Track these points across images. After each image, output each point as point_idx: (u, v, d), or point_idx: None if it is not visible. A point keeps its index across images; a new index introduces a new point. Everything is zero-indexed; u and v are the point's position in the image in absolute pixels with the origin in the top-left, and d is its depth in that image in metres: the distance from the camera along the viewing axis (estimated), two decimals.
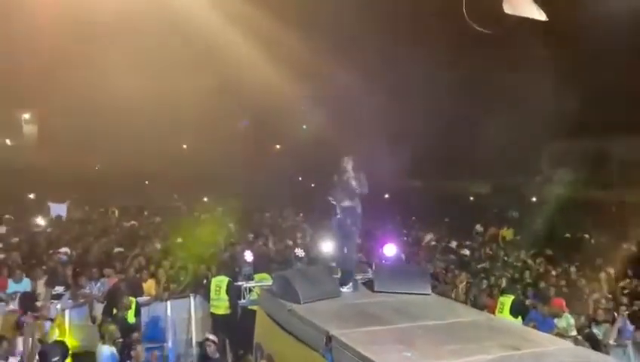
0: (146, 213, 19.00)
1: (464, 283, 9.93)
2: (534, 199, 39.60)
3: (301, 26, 21.01)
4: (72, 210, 16.34)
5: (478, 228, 17.13)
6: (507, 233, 15.81)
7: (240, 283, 7.79)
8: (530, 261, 12.21)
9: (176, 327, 9.57)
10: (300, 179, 54.16)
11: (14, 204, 18.64)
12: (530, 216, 23.99)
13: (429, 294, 6.97)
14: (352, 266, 7.53)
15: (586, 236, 16.71)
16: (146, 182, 36.92)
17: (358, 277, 7.77)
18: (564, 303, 8.14)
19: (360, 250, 8.62)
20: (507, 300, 8.44)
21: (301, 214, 20.55)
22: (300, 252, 8.60)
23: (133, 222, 15.58)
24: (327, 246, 9.94)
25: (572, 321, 7.97)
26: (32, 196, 22.26)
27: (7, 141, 61.26)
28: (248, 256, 8.24)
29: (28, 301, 7.41)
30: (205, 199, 24.91)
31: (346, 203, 7.16)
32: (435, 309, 6.29)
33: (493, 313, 8.36)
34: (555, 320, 7.98)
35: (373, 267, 7.54)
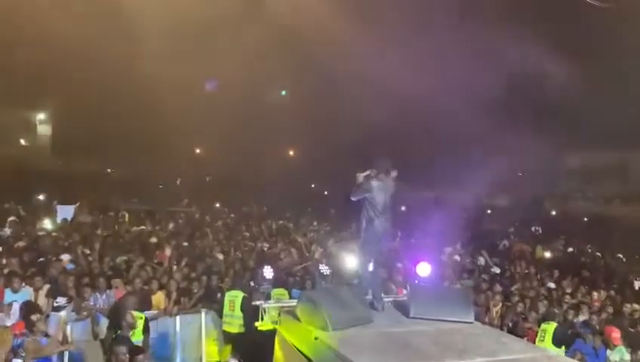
0: (157, 217, 18.37)
1: (499, 306, 9.11)
2: (554, 213, 38.72)
3: None
4: (79, 213, 15.67)
5: (505, 243, 16.20)
6: (539, 250, 14.87)
7: (258, 302, 7.01)
8: (565, 283, 11.33)
9: (185, 345, 8.86)
10: (313, 186, 53.66)
11: (23, 206, 18.12)
12: (554, 232, 23.12)
13: (471, 322, 6.19)
14: (380, 286, 6.77)
15: (619, 256, 15.73)
16: (160, 186, 36.38)
17: (387, 298, 7.03)
18: (619, 334, 7.28)
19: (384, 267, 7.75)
20: (549, 328, 7.63)
21: (315, 223, 19.79)
22: (324, 269, 7.81)
23: (142, 227, 14.91)
24: (350, 261, 9.19)
25: (627, 356, 7.12)
26: (41, 197, 21.67)
27: (22, 141, 61.46)
28: (268, 272, 7.46)
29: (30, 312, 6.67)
30: (217, 205, 24.21)
31: (375, 213, 6.42)
32: (482, 342, 5.50)
33: (534, 341, 7.58)
34: (607, 352, 7.15)
35: (408, 288, 6.70)
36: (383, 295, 6.75)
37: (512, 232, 20.46)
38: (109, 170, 55.38)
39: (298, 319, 5.91)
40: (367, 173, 6.50)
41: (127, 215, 18.35)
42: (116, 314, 7.17)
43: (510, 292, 9.87)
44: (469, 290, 8.50)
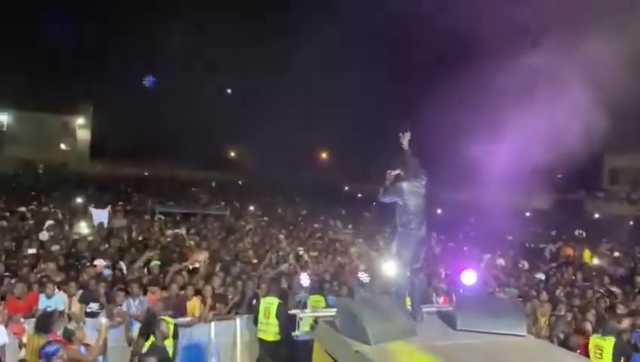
0: (192, 219, 18.34)
1: (547, 315, 8.60)
2: (597, 216, 37.35)
3: None
4: (114, 216, 15.71)
5: (552, 248, 15.48)
6: (587, 255, 14.13)
7: (294, 311, 6.70)
8: (616, 289, 10.67)
9: (220, 352, 8.66)
10: (347, 188, 53.31)
11: (62, 209, 18.33)
12: (599, 236, 22.20)
13: (524, 335, 5.76)
14: (419, 295, 6.39)
15: None
16: (193, 189, 36.63)
17: (430, 308, 6.67)
18: None
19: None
20: (607, 343, 7.08)
21: (349, 226, 19.46)
22: (364, 277, 7.46)
23: (177, 231, 14.81)
24: (387, 268, 8.79)
25: None
26: (79, 201, 21.93)
27: (62, 146, 62.97)
28: (305, 279, 7.13)
29: (44, 323, 6.51)
30: (252, 207, 24.09)
31: (408, 218, 6.03)
32: (537, 358, 5.10)
33: (587, 356, 7.07)
34: None
35: (454, 298, 6.29)
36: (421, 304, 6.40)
37: (555, 236, 19.64)
38: (145, 173, 56.37)
39: (337, 330, 5.59)
40: (398, 171, 6.12)
41: (162, 218, 18.38)
42: (149, 322, 6.98)
43: (558, 301, 9.31)
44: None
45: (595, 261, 14.01)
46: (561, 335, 7.77)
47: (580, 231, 22.51)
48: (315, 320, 6.42)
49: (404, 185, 5.95)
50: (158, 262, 10.09)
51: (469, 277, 7.15)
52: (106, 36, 55.48)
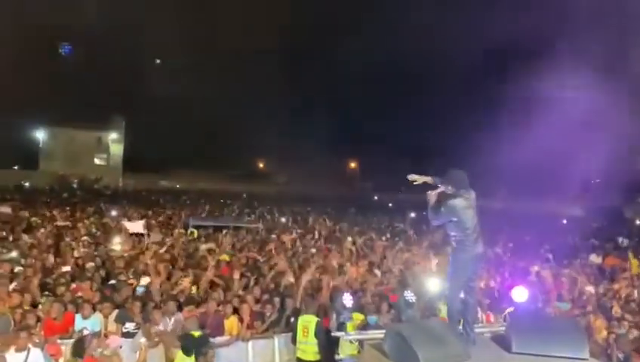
0: (224, 232, 18.17)
1: (604, 332, 8.09)
2: (638, 222, 36.02)
3: None
4: (150, 231, 15.67)
5: (596, 257, 14.82)
6: (635, 264, 13.43)
7: (338, 334, 6.39)
8: None
9: None
10: (376, 198, 52.85)
11: (96, 224, 18.44)
12: None
13: (586, 359, 5.35)
14: (473, 316, 6.03)
15: None
16: (228, 201, 36.73)
17: (478, 329, 6.28)
18: None
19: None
20: None
21: (383, 238, 19.01)
22: (410, 296, 7.12)
23: (210, 245, 14.64)
24: (433, 284, 8.43)
25: None
26: (113, 214, 22.07)
27: (96, 160, 64.23)
28: (347, 300, 6.81)
29: (79, 347, 6.40)
30: (283, 219, 23.90)
31: (465, 235, 5.64)
32: None
33: None
34: None
35: (508, 318, 5.91)
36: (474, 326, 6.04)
37: (598, 245, 18.85)
38: (177, 186, 56.99)
39: (386, 355, 5.28)
40: (441, 190, 5.77)
41: (195, 232, 18.29)
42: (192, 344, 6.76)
43: (613, 316, 8.79)
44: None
45: None
46: (621, 356, 7.27)
47: (623, 239, 21.62)
48: (360, 342, 6.13)
49: (457, 201, 5.59)
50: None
51: (521, 294, 6.76)
52: (138, 52, 56.45)
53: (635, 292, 10.72)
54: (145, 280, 9.95)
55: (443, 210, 5.67)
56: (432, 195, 5.80)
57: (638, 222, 34.81)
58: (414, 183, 5.88)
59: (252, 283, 10.11)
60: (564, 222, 32.85)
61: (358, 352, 6.73)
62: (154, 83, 52.19)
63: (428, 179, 5.80)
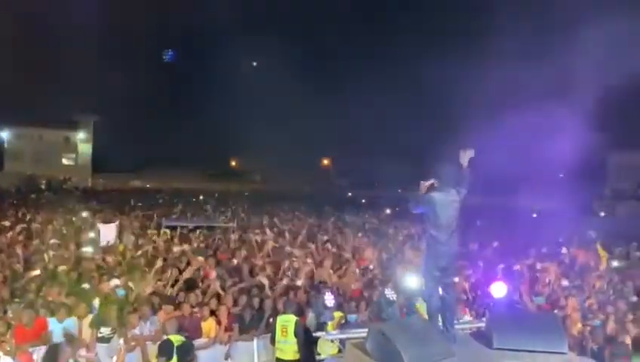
0: (198, 233, 17.93)
1: (578, 325, 8.22)
2: (603, 214, 36.91)
3: None
4: (122, 233, 15.35)
5: (567, 251, 15.05)
6: (605, 258, 13.70)
7: (319, 333, 6.35)
8: None
9: None
10: (350, 194, 52.96)
11: (65, 226, 17.98)
12: (611, 237, 21.73)
13: (565, 353, 5.42)
14: (452, 312, 6.05)
15: None
16: (201, 198, 36.35)
17: (458, 325, 6.33)
18: None
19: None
20: None
21: (359, 234, 19.04)
22: (391, 294, 7.12)
23: (185, 247, 14.39)
24: (411, 281, 8.44)
25: None
26: (84, 216, 21.58)
27: (63, 160, 62.78)
28: (329, 299, 6.77)
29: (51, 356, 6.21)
30: (258, 218, 23.72)
31: (438, 231, 5.71)
32: None
33: None
34: None
35: (488, 314, 5.95)
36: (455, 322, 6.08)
37: (568, 239, 19.16)
38: (148, 185, 56.15)
39: (368, 355, 5.25)
40: (431, 182, 5.82)
41: (168, 232, 17.97)
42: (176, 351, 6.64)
43: (587, 310, 8.93)
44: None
45: (615, 264, 13.62)
46: (596, 348, 7.39)
47: (592, 233, 22.04)
48: (341, 341, 6.11)
49: (436, 195, 5.65)
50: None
51: (499, 290, 6.82)
52: (105, 50, 55.45)
53: (606, 284, 10.95)
54: (115, 282, 9.75)
55: (423, 200, 5.77)
56: (422, 185, 5.84)
57: (602, 214, 35.69)
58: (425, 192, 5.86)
59: (229, 284, 9.97)
60: (535, 216, 33.42)
61: (339, 351, 6.72)
62: (124, 81, 51.27)
63: (432, 181, 5.83)
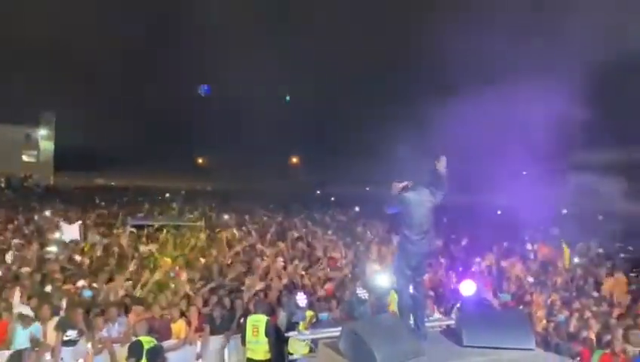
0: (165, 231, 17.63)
1: (543, 321, 8.44)
2: (565, 211, 37.82)
3: None
4: (86, 232, 15.02)
5: (529, 248, 15.41)
6: (567, 254, 14.06)
7: (291, 333, 6.35)
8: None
9: None
10: (319, 192, 53.05)
11: (27, 225, 17.49)
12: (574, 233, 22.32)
13: (533, 349, 5.56)
14: (423, 311, 6.13)
15: None
16: (167, 196, 35.81)
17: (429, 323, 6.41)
18: None
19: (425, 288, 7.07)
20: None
21: (329, 232, 19.08)
22: (363, 293, 7.17)
23: (151, 247, 14.14)
24: (381, 279, 8.52)
25: None
26: (46, 215, 21.02)
27: (24, 157, 60.93)
28: (302, 299, 6.78)
29: None
30: (227, 216, 23.54)
31: (411, 230, 5.79)
32: None
33: None
34: None
35: (457, 312, 6.06)
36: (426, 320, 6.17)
37: (531, 235, 19.61)
38: (113, 183, 55.03)
39: (341, 354, 5.28)
40: (405, 183, 5.90)
41: (135, 231, 17.65)
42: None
43: (551, 306, 9.17)
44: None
45: (576, 260, 13.98)
46: (560, 343, 7.60)
47: (554, 228, 22.60)
48: (313, 341, 6.12)
49: (410, 195, 5.75)
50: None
51: (468, 288, 6.94)
52: (68, 47, 54.10)
53: (569, 280, 11.25)
54: (81, 283, 9.56)
55: (397, 201, 5.85)
56: (397, 186, 5.89)
57: (565, 211, 36.51)
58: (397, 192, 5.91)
59: (199, 284, 9.88)
60: (499, 213, 34.02)
61: (311, 351, 6.72)
62: (87, 77, 50.12)
63: (405, 183, 5.89)
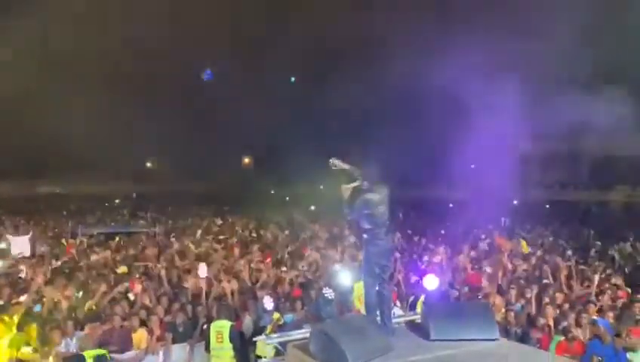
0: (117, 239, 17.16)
1: (502, 310, 8.68)
2: (515, 202, 39.07)
3: None
4: (36, 243, 14.41)
5: (487, 240, 15.83)
6: (524, 244, 14.50)
7: (260, 337, 6.28)
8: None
9: None
10: (273, 192, 52.80)
11: None
12: (524, 223, 23.09)
13: (497, 339, 5.71)
14: (389, 307, 6.19)
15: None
16: (116, 202, 34.80)
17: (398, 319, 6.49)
18: None
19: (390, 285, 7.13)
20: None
21: (286, 232, 19.06)
22: (329, 293, 7.16)
23: (105, 255, 13.71)
24: (345, 277, 8.55)
25: None
26: None
27: None
28: (268, 302, 6.72)
29: None
30: (189, 221, 23.17)
31: (377, 228, 5.82)
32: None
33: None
34: (629, 355, 6.78)
35: (423, 307, 6.14)
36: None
37: (484, 226, 20.14)
38: (57, 190, 52.94)
39: (311, 356, 5.25)
40: (355, 184, 5.92)
41: (85, 241, 17.08)
42: None
43: (507, 294, 9.43)
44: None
45: (529, 249, 14.44)
46: (519, 331, 7.85)
47: (505, 219, 23.35)
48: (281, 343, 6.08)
49: (370, 196, 5.77)
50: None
51: (431, 282, 7.06)
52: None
53: (524, 269, 11.61)
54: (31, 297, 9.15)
55: (357, 204, 5.84)
56: (346, 189, 5.89)
57: (515, 202, 37.72)
58: (334, 168, 5.93)
59: (160, 292, 9.64)
60: (451, 206, 34.85)
61: (278, 353, 6.67)
62: (23, 78, 47.79)
63: (347, 167, 5.88)
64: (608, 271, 11.66)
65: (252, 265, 11.36)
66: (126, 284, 9.86)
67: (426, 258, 12.81)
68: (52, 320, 8.01)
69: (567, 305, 8.56)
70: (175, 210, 30.23)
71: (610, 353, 6.87)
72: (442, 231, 19.25)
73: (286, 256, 12.90)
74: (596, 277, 9.79)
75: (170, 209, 31.08)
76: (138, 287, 9.61)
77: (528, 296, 8.86)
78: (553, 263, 11.28)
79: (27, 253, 13.13)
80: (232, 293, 9.07)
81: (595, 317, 7.64)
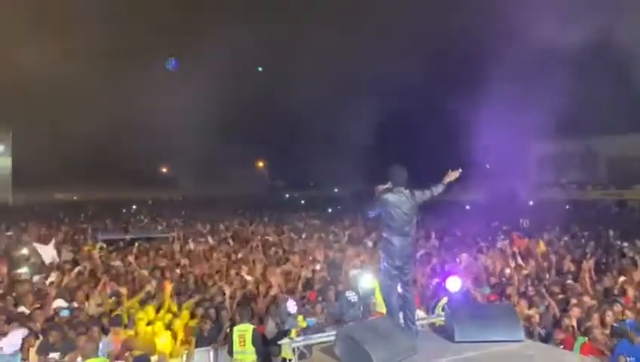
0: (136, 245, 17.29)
1: (525, 312, 8.62)
2: (532, 203, 38.73)
3: None
4: (61, 251, 14.59)
5: (505, 240, 15.72)
6: (542, 245, 14.41)
7: (284, 341, 6.32)
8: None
9: None
10: (287, 196, 53.00)
11: None
12: (542, 223, 22.89)
13: (522, 340, 5.70)
14: (412, 309, 6.20)
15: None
16: (133, 209, 35.10)
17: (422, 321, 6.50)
18: None
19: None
20: None
21: (304, 236, 19.08)
22: (352, 296, 7.19)
23: (127, 260, 13.85)
24: (365, 280, 8.56)
25: None
26: (9, 234, 20.40)
27: None
28: (292, 306, 6.76)
29: None
30: (200, 226, 23.32)
31: (393, 231, 5.88)
32: None
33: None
34: None
35: (447, 309, 6.14)
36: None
37: (502, 228, 20.02)
38: (75, 198, 53.55)
39: (337, 358, 5.30)
40: (387, 185, 5.99)
41: (104, 246, 17.27)
42: None
43: (530, 295, 9.36)
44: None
45: (549, 249, 14.30)
46: (543, 332, 7.79)
47: (524, 220, 23.15)
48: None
49: (389, 196, 5.84)
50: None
51: (454, 284, 7.05)
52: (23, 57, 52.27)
53: (545, 270, 11.51)
54: (58, 303, 9.29)
55: (376, 203, 5.94)
56: (377, 189, 6.01)
57: (531, 202, 37.43)
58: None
59: (184, 297, 9.72)
60: (467, 208, 34.59)
61: (301, 356, 6.71)
62: (44, 91, 48.52)
63: (387, 184, 5.98)
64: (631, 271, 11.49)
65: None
66: (149, 288, 9.96)
67: (447, 260, 12.76)
68: (77, 325, 8.10)
69: (592, 305, 8.47)
70: (190, 214, 30.41)
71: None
72: (458, 234, 19.10)
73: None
74: (621, 278, 9.69)
75: (184, 213, 31.26)
76: (169, 287, 9.69)
77: (551, 297, 8.77)
78: (575, 263, 11.16)
79: (56, 261, 13.31)
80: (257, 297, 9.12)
81: (621, 318, 7.56)
